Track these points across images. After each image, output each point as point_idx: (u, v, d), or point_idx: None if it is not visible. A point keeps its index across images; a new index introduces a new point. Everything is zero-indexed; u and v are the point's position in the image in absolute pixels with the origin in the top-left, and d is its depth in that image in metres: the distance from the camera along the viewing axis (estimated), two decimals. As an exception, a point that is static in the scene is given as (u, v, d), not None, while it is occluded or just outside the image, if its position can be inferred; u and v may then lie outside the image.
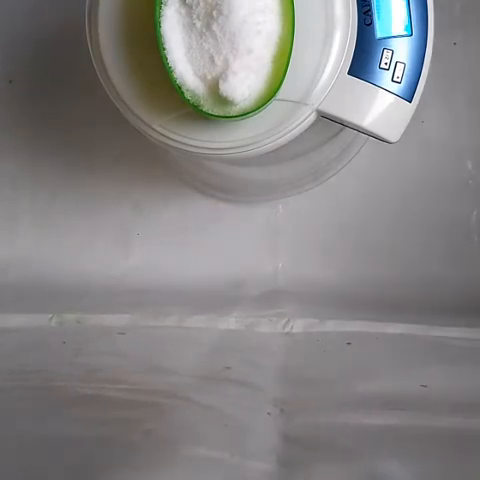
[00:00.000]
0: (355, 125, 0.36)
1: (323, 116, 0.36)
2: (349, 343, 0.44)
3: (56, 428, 0.31)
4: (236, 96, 0.34)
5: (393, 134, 0.37)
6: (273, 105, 0.35)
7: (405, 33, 0.36)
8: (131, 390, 0.36)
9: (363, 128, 0.36)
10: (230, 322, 0.48)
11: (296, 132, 0.36)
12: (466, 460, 0.30)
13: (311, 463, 0.29)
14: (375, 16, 0.35)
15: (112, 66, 0.37)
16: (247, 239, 0.57)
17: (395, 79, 0.36)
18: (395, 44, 0.36)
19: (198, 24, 0.34)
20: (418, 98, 0.37)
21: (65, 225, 0.58)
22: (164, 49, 0.34)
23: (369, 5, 0.35)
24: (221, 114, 0.34)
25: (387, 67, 0.36)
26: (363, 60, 0.35)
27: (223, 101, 0.34)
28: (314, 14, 0.35)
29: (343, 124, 0.37)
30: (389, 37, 0.36)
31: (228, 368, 0.39)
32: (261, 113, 0.35)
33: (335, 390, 0.37)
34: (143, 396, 0.35)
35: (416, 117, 0.38)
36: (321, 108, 0.36)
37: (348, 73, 0.36)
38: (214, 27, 0.33)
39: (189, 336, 0.46)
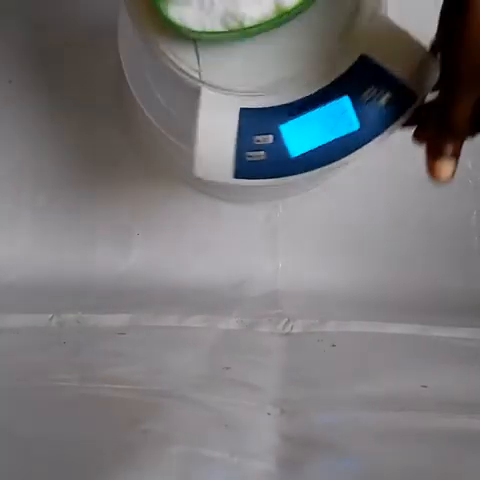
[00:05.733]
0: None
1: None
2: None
3: (56, 428, 0.31)
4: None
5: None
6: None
7: None
8: (131, 390, 0.36)
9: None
10: (230, 322, 0.48)
11: None
12: (466, 460, 0.30)
13: (311, 463, 0.29)
14: None
15: None
16: (247, 239, 0.57)
17: None
18: None
19: None
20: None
21: (65, 225, 0.58)
22: None
23: None
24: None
25: None
26: None
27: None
28: None
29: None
30: None
31: (228, 368, 0.39)
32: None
33: (335, 390, 0.37)
34: (143, 396, 0.35)
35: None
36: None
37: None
38: None
39: (189, 336, 0.46)
